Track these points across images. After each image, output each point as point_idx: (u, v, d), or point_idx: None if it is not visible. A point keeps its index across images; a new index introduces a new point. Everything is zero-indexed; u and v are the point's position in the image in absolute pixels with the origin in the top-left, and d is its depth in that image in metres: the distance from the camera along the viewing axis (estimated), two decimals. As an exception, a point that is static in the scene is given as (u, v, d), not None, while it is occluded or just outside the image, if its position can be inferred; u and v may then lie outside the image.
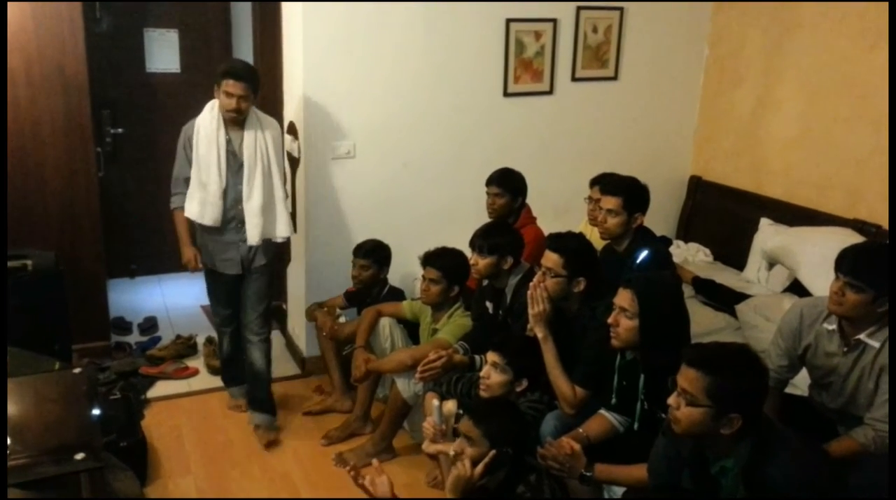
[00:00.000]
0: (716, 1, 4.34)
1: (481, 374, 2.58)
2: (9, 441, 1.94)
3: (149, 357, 3.87)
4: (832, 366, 2.32)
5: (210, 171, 3.06)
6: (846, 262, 2.21)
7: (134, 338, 4.21)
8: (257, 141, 3.09)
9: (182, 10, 4.77)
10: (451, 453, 2.42)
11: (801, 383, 2.60)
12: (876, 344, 2.21)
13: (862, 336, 2.23)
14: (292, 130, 3.80)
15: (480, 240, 2.95)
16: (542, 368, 2.54)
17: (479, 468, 2.09)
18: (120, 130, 4.64)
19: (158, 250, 4.97)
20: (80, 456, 1.91)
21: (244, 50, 4.71)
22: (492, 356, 2.55)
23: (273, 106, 4.02)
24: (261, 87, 3.13)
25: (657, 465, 2.03)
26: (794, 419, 2.30)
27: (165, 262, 4.99)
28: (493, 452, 2.09)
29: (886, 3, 3.37)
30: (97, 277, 3.83)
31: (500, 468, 2.12)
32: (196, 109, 5.00)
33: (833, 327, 2.31)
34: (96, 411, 2.24)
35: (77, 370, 2.39)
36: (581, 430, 2.38)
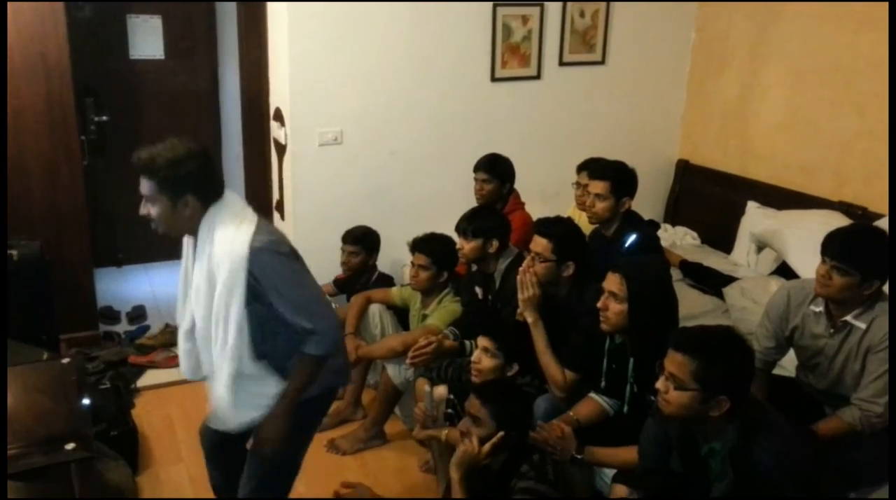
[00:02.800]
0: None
1: (472, 359, 2.59)
2: (-2, 432, 1.93)
3: (138, 346, 3.85)
4: (819, 347, 2.35)
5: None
6: (833, 245, 2.23)
7: (122, 327, 4.18)
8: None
9: (165, -5, 4.71)
10: (444, 438, 2.45)
11: (788, 365, 2.63)
12: (862, 326, 2.23)
13: (848, 318, 2.26)
14: (278, 116, 3.78)
15: (465, 224, 2.95)
16: (533, 352, 2.55)
17: (487, 447, 2.10)
18: (104, 118, 4.57)
19: (145, 238, 4.86)
20: (70, 446, 1.91)
21: (229, 35, 4.66)
22: (482, 341, 2.55)
23: (259, 92, 3.99)
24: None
25: (646, 448, 2.05)
26: (781, 400, 2.32)
27: (153, 250, 4.95)
28: (501, 433, 2.10)
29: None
30: (84, 266, 3.80)
31: (506, 450, 2.13)
32: (181, 97, 4.95)
33: (820, 309, 2.33)
34: (86, 401, 2.23)
35: (65, 360, 2.38)
36: (571, 413, 2.40)
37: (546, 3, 3.99)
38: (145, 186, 1.93)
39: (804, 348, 2.41)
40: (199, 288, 1.98)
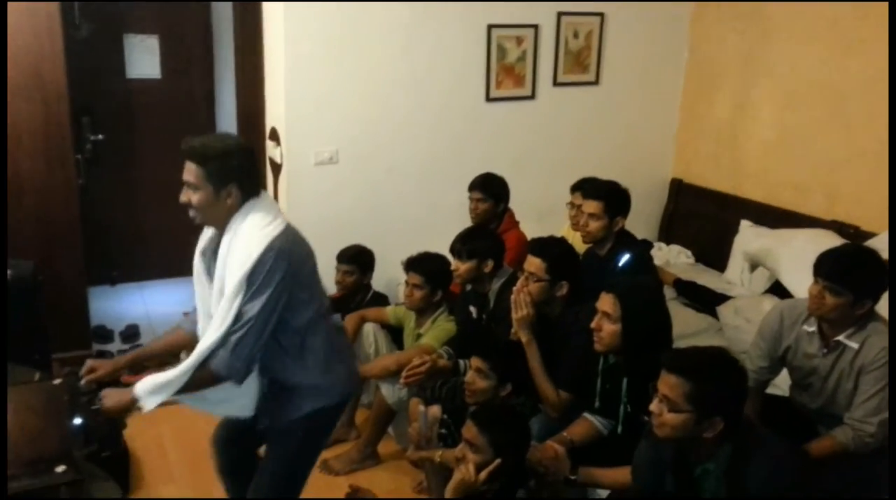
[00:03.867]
0: (695, 0, 4.35)
1: (466, 380, 2.58)
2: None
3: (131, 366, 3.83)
4: (812, 367, 2.35)
5: None
6: (825, 265, 2.24)
7: (116, 346, 4.16)
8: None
9: (162, 15, 4.73)
10: (438, 458, 2.44)
11: (782, 384, 2.63)
12: (855, 345, 2.24)
13: (841, 338, 2.26)
14: (274, 135, 3.79)
15: (459, 245, 2.96)
16: (527, 372, 2.55)
17: (484, 474, 2.06)
18: (100, 137, 4.60)
19: (140, 256, 4.93)
20: (60, 469, 1.89)
21: (225, 55, 4.69)
22: (476, 362, 2.55)
23: (255, 111, 4.01)
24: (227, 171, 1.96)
25: (640, 468, 2.04)
26: (775, 420, 2.32)
27: (147, 268, 4.96)
28: (498, 461, 2.07)
29: (872, 6, 3.39)
30: (77, 285, 3.79)
31: (503, 477, 2.09)
32: (177, 116, 4.96)
33: (813, 329, 2.33)
34: (77, 422, 2.22)
35: (57, 381, 2.37)
36: (565, 433, 2.39)
37: (540, 24, 4.02)
38: (192, 172, 1.95)
39: (797, 368, 2.41)
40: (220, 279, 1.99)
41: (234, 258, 1.94)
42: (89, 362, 2.12)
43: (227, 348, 1.92)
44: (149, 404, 1.94)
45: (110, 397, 2.00)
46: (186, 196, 1.98)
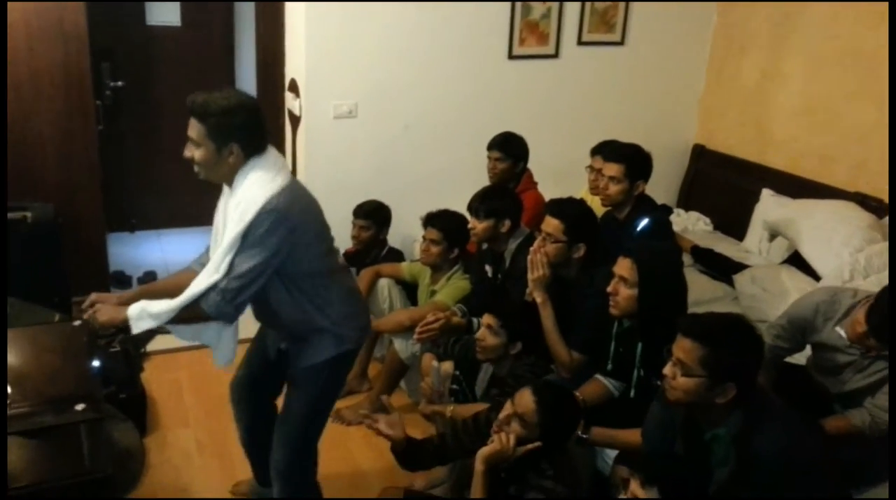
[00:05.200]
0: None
1: (477, 336, 2.59)
2: (9, 390, 1.96)
3: (148, 312, 3.88)
4: (844, 361, 2.29)
5: None
6: (875, 317, 2.13)
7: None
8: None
9: (183, -39, 4.68)
10: (449, 413, 2.47)
11: (799, 354, 2.60)
12: None
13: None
14: (293, 87, 3.76)
15: (477, 203, 2.95)
16: (537, 332, 2.56)
17: (521, 451, 1.99)
18: (120, 83, 4.59)
19: (158, 204, 4.96)
20: (80, 407, 1.94)
21: (246, 4, 4.63)
22: (487, 319, 2.56)
23: (275, 62, 3.98)
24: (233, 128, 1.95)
25: (651, 431, 2.06)
26: (789, 389, 2.31)
27: (165, 216, 5.00)
28: (539, 444, 1.99)
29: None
30: (96, 230, 3.83)
31: (538, 457, 2.02)
32: (196, 65, 4.91)
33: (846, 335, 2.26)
34: (96, 363, 2.27)
35: (77, 323, 2.41)
36: (577, 393, 2.40)
37: (567, -20, 3.94)
38: (194, 128, 1.96)
39: (826, 359, 2.34)
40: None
41: (234, 213, 1.96)
42: (94, 295, 2.13)
43: (217, 293, 1.96)
44: (136, 327, 1.99)
45: (104, 313, 2.04)
46: (190, 152, 1.99)
